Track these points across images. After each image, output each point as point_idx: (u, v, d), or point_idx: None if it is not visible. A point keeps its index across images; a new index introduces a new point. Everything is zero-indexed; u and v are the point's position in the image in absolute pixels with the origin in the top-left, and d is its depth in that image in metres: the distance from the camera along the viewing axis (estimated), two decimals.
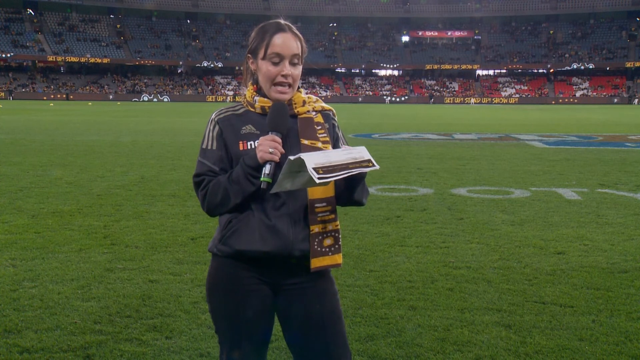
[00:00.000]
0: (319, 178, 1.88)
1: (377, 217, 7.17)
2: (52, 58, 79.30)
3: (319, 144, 2.14)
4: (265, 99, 2.18)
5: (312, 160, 1.90)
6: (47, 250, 5.69)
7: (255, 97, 2.18)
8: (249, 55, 2.22)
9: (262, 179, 2.03)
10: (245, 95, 2.24)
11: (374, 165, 1.97)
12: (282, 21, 2.19)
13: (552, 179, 10.42)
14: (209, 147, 2.17)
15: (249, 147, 2.12)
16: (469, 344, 3.71)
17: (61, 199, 8.26)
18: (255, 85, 2.23)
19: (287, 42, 2.14)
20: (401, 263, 5.33)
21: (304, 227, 2.11)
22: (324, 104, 2.29)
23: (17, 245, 5.86)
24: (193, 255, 5.56)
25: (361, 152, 1.98)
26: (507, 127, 25.65)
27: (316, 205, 2.12)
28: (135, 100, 73.81)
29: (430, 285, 4.77)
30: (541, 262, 5.44)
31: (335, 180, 2.04)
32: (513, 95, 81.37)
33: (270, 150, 2.02)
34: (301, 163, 1.91)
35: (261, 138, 2.07)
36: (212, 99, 78.14)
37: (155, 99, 75.82)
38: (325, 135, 2.18)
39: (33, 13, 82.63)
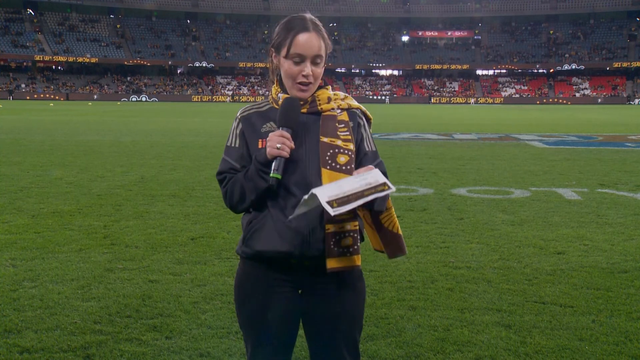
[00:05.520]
0: (334, 211, 1.85)
1: None
2: (52, 58, 79.31)
3: (339, 142, 2.10)
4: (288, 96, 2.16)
5: (324, 193, 1.87)
6: (47, 250, 5.69)
7: (279, 94, 2.16)
8: (272, 49, 2.18)
9: (271, 175, 2.03)
10: (271, 92, 2.22)
11: (390, 188, 1.91)
12: (309, 17, 2.13)
13: (552, 179, 10.42)
14: (232, 145, 2.18)
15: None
16: (469, 344, 3.70)
17: (61, 199, 8.26)
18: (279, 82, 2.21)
19: (310, 42, 2.08)
20: (401, 263, 5.32)
21: (322, 227, 2.07)
22: (352, 102, 2.23)
23: (17, 245, 5.86)
24: (193, 255, 5.56)
25: (375, 177, 1.93)
26: (507, 127, 25.66)
27: None
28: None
29: (430, 285, 4.77)
30: (541, 262, 5.44)
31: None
32: (513, 96, 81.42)
33: (278, 145, 2.01)
34: (314, 197, 1.88)
35: (270, 134, 2.05)
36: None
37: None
38: (347, 133, 2.13)
39: (33, 13, 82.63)
